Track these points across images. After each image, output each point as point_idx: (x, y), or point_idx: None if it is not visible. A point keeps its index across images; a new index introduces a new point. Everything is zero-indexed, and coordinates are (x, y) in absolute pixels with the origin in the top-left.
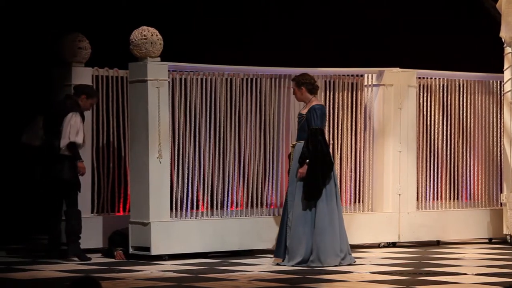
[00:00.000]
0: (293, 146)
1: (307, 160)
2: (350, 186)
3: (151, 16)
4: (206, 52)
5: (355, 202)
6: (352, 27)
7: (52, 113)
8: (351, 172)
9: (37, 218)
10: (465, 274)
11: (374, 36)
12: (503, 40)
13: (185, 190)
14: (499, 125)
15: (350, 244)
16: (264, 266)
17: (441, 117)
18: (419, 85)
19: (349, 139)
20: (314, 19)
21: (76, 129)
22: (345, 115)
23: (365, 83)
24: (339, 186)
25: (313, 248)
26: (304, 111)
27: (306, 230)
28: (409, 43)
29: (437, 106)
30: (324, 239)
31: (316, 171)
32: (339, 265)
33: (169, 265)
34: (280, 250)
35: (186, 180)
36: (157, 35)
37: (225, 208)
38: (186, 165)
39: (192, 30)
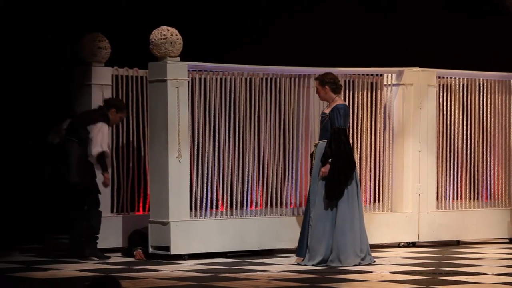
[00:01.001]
0: (316, 145)
1: (330, 160)
2: (370, 185)
3: (150, 16)
4: (224, 52)
5: (374, 201)
6: (355, 26)
7: (79, 117)
8: (370, 171)
9: (56, 217)
10: (485, 274)
11: (389, 36)
12: None
13: (205, 190)
14: None
15: (369, 244)
16: (284, 265)
17: (461, 117)
18: (439, 85)
19: (368, 138)
20: (314, 19)
21: (106, 139)
22: (365, 115)
23: (385, 83)
24: (360, 186)
25: (333, 247)
26: (327, 111)
27: (327, 229)
28: (428, 42)
29: (457, 106)
30: (345, 239)
31: (339, 171)
32: (359, 265)
33: (188, 264)
34: (302, 249)
35: (205, 180)
36: (176, 35)
37: (244, 207)
38: (206, 165)
39: (192, 30)
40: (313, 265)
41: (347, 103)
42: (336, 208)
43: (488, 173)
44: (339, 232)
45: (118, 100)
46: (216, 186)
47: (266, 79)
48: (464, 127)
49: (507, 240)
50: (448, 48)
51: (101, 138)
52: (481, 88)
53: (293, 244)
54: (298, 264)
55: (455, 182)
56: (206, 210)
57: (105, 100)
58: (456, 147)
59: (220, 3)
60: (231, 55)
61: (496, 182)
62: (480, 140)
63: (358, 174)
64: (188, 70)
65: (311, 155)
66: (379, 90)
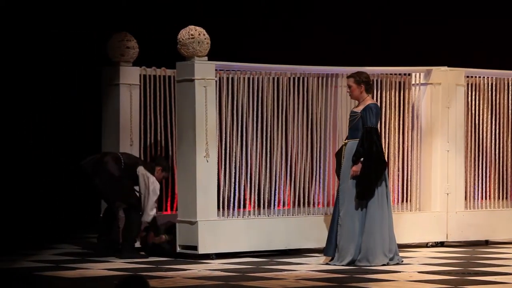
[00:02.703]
0: (345, 144)
1: (362, 159)
2: (398, 185)
3: (151, 16)
4: (251, 51)
5: (402, 201)
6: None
7: (127, 163)
8: (398, 171)
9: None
10: None
11: (389, 36)
12: None
13: (232, 189)
14: None
15: (397, 244)
16: (312, 265)
17: (489, 116)
18: (467, 84)
19: (396, 138)
20: (314, 19)
21: (156, 199)
22: (393, 114)
23: (413, 82)
24: (388, 186)
25: (362, 247)
26: (358, 110)
27: (357, 229)
28: (456, 42)
29: (485, 105)
30: (373, 239)
31: (370, 170)
32: (387, 265)
33: (216, 264)
34: (330, 248)
35: (233, 179)
36: (204, 34)
37: (272, 207)
38: (233, 164)
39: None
40: (342, 265)
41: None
42: (366, 208)
43: None
44: (368, 232)
45: (166, 160)
46: (244, 186)
47: (294, 78)
48: (493, 126)
49: None
50: (475, 48)
51: (153, 202)
52: (510, 87)
53: (321, 244)
54: (327, 263)
55: (484, 181)
56: (233, 209)
57: (155, 157)
58: (484, 146)
59: (220, 3)
60: (231, 55)
61: None
62: (509, 139)
63: (387, 174)
64: (216, 70)
65: (337, 154)
66: (407, 90)
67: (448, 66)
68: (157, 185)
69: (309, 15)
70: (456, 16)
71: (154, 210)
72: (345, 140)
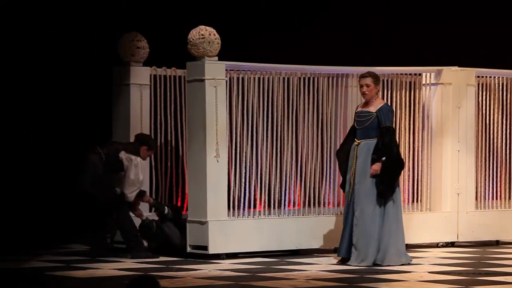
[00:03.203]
0: (358, 144)
1: (383, 158)
2: (408, 185)
3: (161, 16)
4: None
5: (413, 201)
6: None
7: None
8: (409, 171)
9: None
10: None
11: (389, 36)
12: None
13: (242, 189)
14: None
15: (408, 244)
16: (322, 265)
17: (500, 116)
18: (478, 84)
19: (407, 138)
20: (314, 19)
21: (142, 176)
22: (403, 114)
23: (423, 82)
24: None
25: (380, 247)
26: (371, 109)
27: (376, 229)
28: (466, 42)
29: (496, 105)
30: (391, 239)
31: (391, 169)
32: (401, 265)
33: (226, 264)
34: (342, 248)
35: (243, 179)
36: (214, 35)
37: (282, 207)
38: (244, 164)
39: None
40: (361, 266)
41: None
42: (384, 208)
43: None
44: (386, 232)
45: (151, 139)
46: (254, 186)
47: (304, 78)
48: (503, 126)
49: None
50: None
51: (138, 176)
52: None
53: (331, 244)
54: (341, 263)
55: (494, 181)
56: (244, 209)
57: (138, 136)
58: (495, 146)
59: (220, 3)
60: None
61: None
62: None
63: None
64: (226, 70)
65: (342, 152)
66: (417, 90)
67: (458, 66)
68: (141, 162)
69: (309, 15)
70: (457, 16)
71: (136, 188)
72: (358, 140)
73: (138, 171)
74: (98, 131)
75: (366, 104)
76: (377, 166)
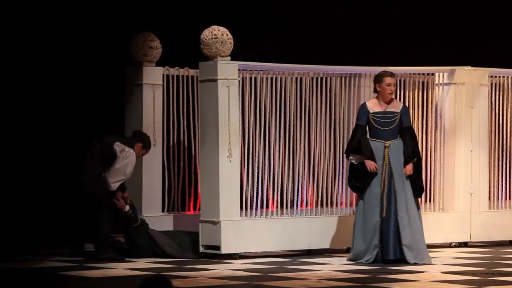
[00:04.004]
0: (388, 146)
1: (415, 159)
2: None
3: (174, 16)
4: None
5: (426, 201)
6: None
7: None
8: (422, 171)
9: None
10: None
11: (389, 36)
12: None
13: (255, 189)
14: None
15: None
16: (334, 265)
17: None
18: (491, 84)
19: (420, 138)
20: (314, 19)
21: (131, 169)
22: (416, 114)
23: (436, 82)
24: None
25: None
26: (395, 109)
27: (422, 228)
28: (480, 42)
29: (509, 105)
30: (422, 237)
31: (421, 170)
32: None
33: (239, 263)
34: (390, 250)
35: (256, 179)
36: (227, 34)
37: (295, 207)
38: (256, 164)
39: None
40: (424, 264)
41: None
42: (417, 207)
43: None
44: (418, 230)
45: (147, 137)
46: (267, 186)
47: (317, 78)
48: None
49: None
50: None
51: (126, 168)
52: None
53: (344, 244)
54: (414, 264)
55: (508, 181)
56: (256, 209)
57: (135, 132)
58: (508, 146)
59: (220, 3)
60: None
61: None
62: None
63: None
64: (239, 70)
65: (371, 153)
66: (430, 89)
67: (471, 66)
68: (133, 156)
69: (309, 15)
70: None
71: (120, 179)
72: (386, 141)
73: (127, 163)
74: (111, 131)
75: (386, 104)
76: (411, 167)
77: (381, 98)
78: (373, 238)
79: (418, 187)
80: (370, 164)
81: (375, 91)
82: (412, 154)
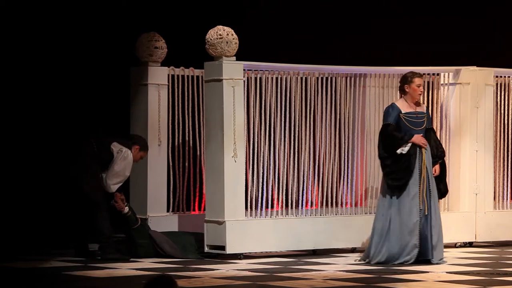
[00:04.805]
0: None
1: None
2: None
3: (179, 16)
4: (280, 51)
5: None
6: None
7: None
8: (446, 172)
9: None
10: None
11: (389, 36)
12: None
13: (260, 189)
14: None
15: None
16: (340, 265)
17: None
18: (496, 84)
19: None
20: (316, 19)
21: (128, 170)
22: None
23: (442, 82)
24: None
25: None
26: (423, 110)
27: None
28: (486, 42)
29: None
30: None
31: (446, 169)
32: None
33: (244, 264)
34: (427, 249)
35: (261, 179)
36: (232, 35)
37: (300, 207)
38: (261, 164)
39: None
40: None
41: None
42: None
43: None
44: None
45: (144, 140)
46: (272, 186)
47: (322, 78)
48: None
49: None
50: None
51: (125, 170)
52: None
53: (349, 244)
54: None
55: None
56: (261, 209)
57: (132, 136)
58: None
59: (221, 3)
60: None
61: None
62: None
63: None
64: (244, 70)
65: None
66: (435, 89)
67: (477, 66)
68: (131, 157)
69: (310, 15)
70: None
71: (119, 180)
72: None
73: (125, 165)
74: (116, 132)
75: (415, 105)
76: (438, 168)
77: (409, 98)
78: (412, 239)
79: (443, 188)
80: (419, 140)
81: (403, 91)
82: (441, 154)
